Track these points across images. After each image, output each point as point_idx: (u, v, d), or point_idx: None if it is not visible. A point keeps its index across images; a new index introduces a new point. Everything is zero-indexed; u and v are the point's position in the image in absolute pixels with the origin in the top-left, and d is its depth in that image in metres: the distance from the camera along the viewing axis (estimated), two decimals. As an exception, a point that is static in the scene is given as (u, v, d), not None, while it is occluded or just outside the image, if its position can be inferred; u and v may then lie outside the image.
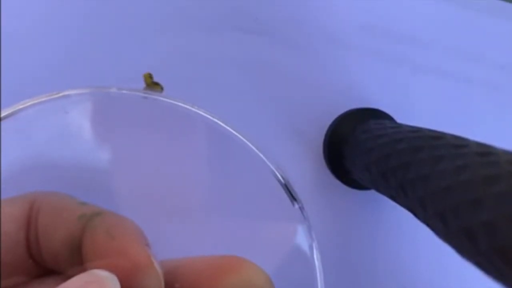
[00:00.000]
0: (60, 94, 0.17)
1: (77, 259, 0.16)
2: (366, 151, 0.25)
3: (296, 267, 0.18)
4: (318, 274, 0.18)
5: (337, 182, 0.30)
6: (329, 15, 0.31)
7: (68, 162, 0.19)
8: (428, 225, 0.20)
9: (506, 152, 0.18)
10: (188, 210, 0.19)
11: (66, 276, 0.16)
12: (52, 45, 0.29)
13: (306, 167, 0.30)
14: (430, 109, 0.31)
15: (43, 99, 0.17)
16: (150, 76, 0.20)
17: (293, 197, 0.18)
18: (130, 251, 0.15)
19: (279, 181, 0.18)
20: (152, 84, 0.20)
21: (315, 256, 0.18)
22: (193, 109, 0.19)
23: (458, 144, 0.20)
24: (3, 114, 0.17)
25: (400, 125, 0.26)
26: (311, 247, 0.18)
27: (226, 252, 0.16)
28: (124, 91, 0.18)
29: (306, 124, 0.30)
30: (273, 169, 0.19)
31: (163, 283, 0.15)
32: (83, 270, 0.15)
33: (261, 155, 0.18)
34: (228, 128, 0.19)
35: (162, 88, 0.20)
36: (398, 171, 0.22)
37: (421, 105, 0.31)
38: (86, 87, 0.18)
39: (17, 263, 0.16)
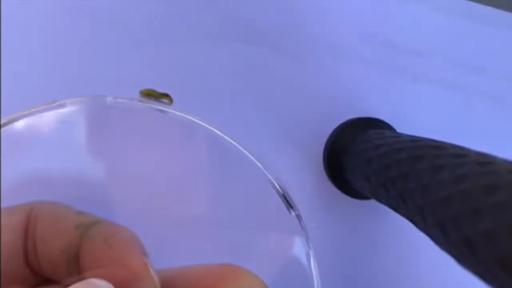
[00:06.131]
0: (57, 103, 0.17)
1: (74, 268, 0.16)
2: (366, 161, 0.25)
3: (293, 276, 0.18)
4: (315, 283, 0.18)
5: (337, 192, 0.30)
6: (329, 25, 0.31)
7: (65, 171, 0.19)
8: (428, 234, 0.20)
9: (506, 162, 0.18)
10: (186, 219, 0.19)
11: (63, 285, 0.16)
12: (51, 53, 0.29)
13: (306, 177, 0.30)
14: (430, 119, 0.31)
15: (39, 108, 0.17)
16: (168, 95, 0.20)
17: (290, 205, 0.18)
18: (127, 260, 0.15)
19: (276, 190, 0.18)
20: (159, 96, 0.20)
21: (312, 265, 0.18)
22: (192, 118, 0.19)
23: (458, 154, 0.20)
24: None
25: (400, 135, 0.26)
26: (308, 256, 0.18)
27: (224, 261, 0.16)
28: (120, 100, 0.18)
29: (306, 134, 0.30)
30: (271, 178, 0.19)
31: None
32: (81, 279, 0.15)
33: (259, 165, 0.18)
34: (226, 138, 0.19)
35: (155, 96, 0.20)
36: (398, 180, 0.22)
37: (421, 114, 0.31)
38: (82, 96, 0.18)
39: (15, 272, 0.16)
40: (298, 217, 0.18)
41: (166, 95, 0.20)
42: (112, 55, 0.29)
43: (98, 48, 0.29)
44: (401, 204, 0.22)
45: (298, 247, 0.18)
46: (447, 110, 0.31)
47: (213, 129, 0.19)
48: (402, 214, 0.22)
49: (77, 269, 0.16)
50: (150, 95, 0.20)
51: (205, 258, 0.16)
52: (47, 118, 0.18)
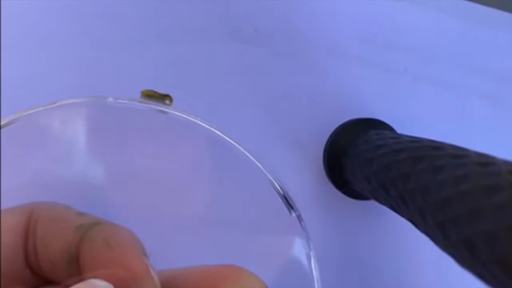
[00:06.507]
0: (56, 104, 0.17)
1: (74, 269, 0.16)
2: (366, 162, 0.25)
3: (294, 277, 0.18)
4: (315, 284, 0.18)
5: (337, 193, 0.30)
6: (329, 26, 0.31)
7: (65, 171, 0.19)
8: (428, 235, 0.20)
9: (506, 162, 0.18)
10: (187, 220, 0.19)
11: (63, 286, 0.16)
12: (52, 54, 0.29)
13: (306, 177, 0.30)
14: (430, 119, 0.31)
15: (40, 109, 0.17)
16: (169, 96, 0.20)
17: (290, 206, 0.18)
18: (127, 261, 0.15)
19: (276, 190, 0.18)
20: (161, 97, 0.20)
21: (313, 266, 0.18)
22: (192, 119, 0.19)
23: (458, 154, 0.20)
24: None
25: (400, 136, 0.26)
26: (309, 257, 0.18)
27: (224, 261, 0.16)
28: (120, 101, 0.18)
29: (306, 134, 0.30)
30: (271, 178, 0.19)
31: None
32: (81, 280, 0.15)
33: (259, 165, 0.18)
34: (226, 138, 0.19)
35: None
36: (398, 181, 0.22)
37: (421, 115, 0.31)
38: (83, 97, 0.18)
39: (15, 273, 0.16)
40: (299, 218, 0.18)
41: (166, 96, 0.20)
42: (113, 56, 0.29)
43: (99, 49, 0.29)
44: (401, 205, 0.22)
45: (299, 248, 0.18)
46: (447, 111, 0.31)
47: (213, 129, 0.19)
48: (402, 215, 0.22)
49: (78, 270, 0.16)
50: (151, 96, 0.20)
51: (206, 259, 0.16)
52: (48, 119, 0.18)
